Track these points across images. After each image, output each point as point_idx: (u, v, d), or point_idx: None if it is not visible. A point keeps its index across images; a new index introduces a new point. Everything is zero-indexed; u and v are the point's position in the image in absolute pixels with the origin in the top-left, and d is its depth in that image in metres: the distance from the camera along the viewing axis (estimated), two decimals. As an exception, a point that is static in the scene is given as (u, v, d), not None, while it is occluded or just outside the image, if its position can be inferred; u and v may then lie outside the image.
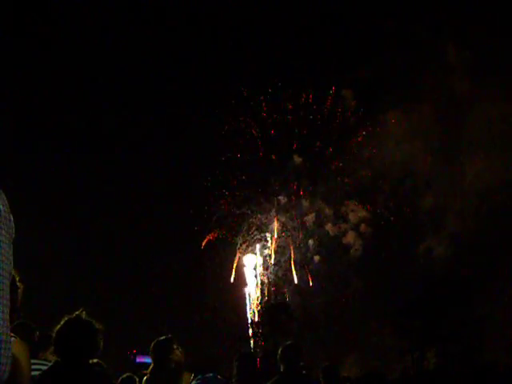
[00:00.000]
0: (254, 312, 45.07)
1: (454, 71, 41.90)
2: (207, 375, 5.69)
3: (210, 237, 46.17)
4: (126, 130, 47.17)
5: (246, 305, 46.16)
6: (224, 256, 46.33)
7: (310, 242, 46.83)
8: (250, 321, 44.01)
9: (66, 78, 44.75)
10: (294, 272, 46.27)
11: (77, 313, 3.92)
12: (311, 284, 45.91)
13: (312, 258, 46.67)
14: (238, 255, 46.89)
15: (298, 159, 46.80)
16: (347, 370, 31.50)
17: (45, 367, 4.44)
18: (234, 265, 46.57)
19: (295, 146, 47.09)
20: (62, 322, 3.87)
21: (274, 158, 47.23)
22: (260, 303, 45.47)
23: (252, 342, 41.80)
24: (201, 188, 45.48)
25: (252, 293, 46.50)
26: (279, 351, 5.37)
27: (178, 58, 47.96)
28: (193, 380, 5.78)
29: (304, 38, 45.84)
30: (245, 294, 46.52)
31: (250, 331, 42.81)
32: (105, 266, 43.85)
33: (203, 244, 45.94)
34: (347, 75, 43.53)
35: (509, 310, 35.64)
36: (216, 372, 5.76)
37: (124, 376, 6.72)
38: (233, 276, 46.58)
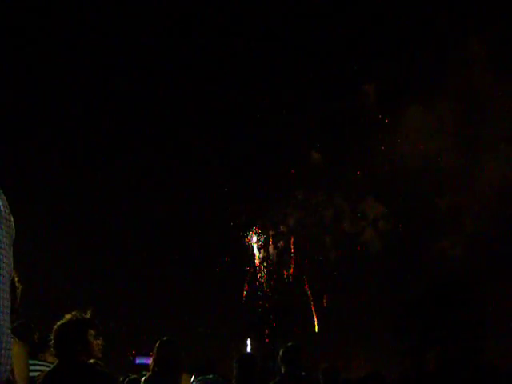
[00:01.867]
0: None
1: (475, 66, 41.40)
2: (208, 376, 5.69)
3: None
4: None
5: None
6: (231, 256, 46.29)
7: (327, 239, 46.57)
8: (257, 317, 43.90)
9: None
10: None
11: (74, 313, 3.92)
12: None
13: (327, 256, 46.38)
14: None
15: (316, 155, 46.55)
16: (355, 372, 31.39)
17: (44, 368, 4.43)
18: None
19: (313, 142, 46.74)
20: (58, 323, 3.87)
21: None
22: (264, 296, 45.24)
23: (251, 343, 41.74)
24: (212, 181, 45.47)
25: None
26: (280, 352, 5.36)
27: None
28: (193, 381, 5.79)
29: (327, 32, 45.56)
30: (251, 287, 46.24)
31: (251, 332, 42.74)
32: (105, 267, 43.91)
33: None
34: (369, 70, 43.33)
35: (509, 313, 35.64)
36: (216, 373, 5.77)
37: (131, 377, 6.75)
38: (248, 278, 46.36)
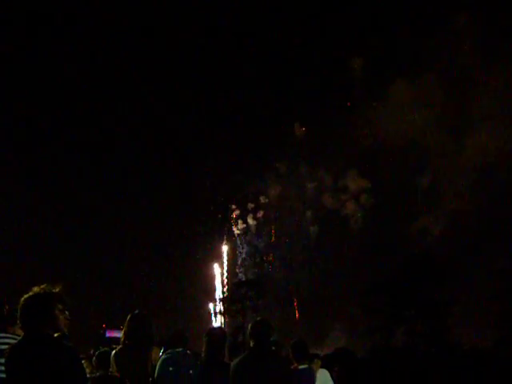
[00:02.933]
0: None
1: (462, 42, 41.28)
2: (177, 350, 5.74)
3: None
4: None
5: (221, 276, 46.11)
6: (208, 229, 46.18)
7: (308, 213, 46.43)
8: (220, 296, 44.15)
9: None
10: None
11: (40, 286, 3.92)
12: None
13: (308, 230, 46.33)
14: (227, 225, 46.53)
15: (299, 128, 46.20)
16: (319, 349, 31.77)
17: (13, 341, 4.43)
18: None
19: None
20: (24, 297, 3.87)
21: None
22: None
23: (222, 318, 41.93)
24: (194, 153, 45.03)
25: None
26: (249, 327, 5.40)
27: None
28: (162, 354, 5.83)
29: (315, 6, 45.23)
30: (219, 269, 46.46)
31: (221, 307, 42.94)
32: (76, 239, 43.60)
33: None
34: (357, 45, 42.92)
35: (477, 293, 36.17)
36: (186, 347, 5.82)
37: (101, 350, 6.77)
38: (224, 243, 46.19)
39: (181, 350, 5.74)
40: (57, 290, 3.92)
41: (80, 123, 46.88)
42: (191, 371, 5.61)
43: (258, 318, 5.57)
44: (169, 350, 5.77)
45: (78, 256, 42.18)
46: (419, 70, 41.38)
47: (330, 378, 8.07)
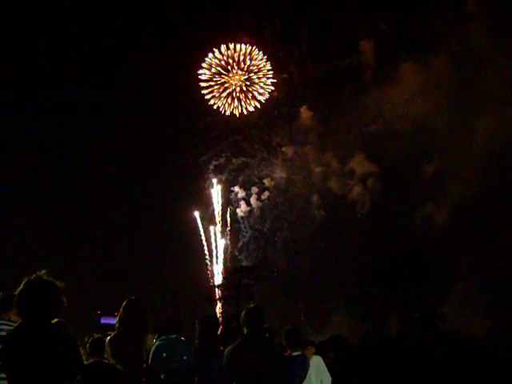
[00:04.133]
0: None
1: (472, 22, 40.55)
2: (170, 336, 5.75)
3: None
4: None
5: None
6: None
7: (314, 197, 46.13)
8: (216, 283, 44.09)
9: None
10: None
11: (38, 273, 3.91)
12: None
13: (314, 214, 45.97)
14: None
15: (307, 111, 45.89)
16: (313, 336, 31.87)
17: (7, 327, 4.44)
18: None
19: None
20: (22, 283, 3.86)
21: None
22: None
23: (217, 304, 41.92)
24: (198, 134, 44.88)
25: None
26: (242, 314, 5.42)
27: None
28: (156, 341, 5.85)
29: None
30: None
31: (216, 294, 42.92)
32: (70, 223, 43.42)
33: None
34: (368, 27, 42.56)
35: (471, 281, 36.25)
36: (179, 333, 5.83)
37: (95, 337, 6.79)
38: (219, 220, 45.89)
39: (174, 336, 5.76)
40: (43, 274, 3.91)
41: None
42: (185, 357, 5.63)
43: (251, 305, 5.58)
44: (162, 337, 5.78)
45: (70, 240, 42.08)
46: (429, 52, 40.97)
47: (323, 365, 8.10)
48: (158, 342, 5.75)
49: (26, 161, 42.83)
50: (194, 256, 45.53)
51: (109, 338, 5.83)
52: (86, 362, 3.76)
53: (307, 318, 39.31)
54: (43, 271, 3.94)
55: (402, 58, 42.22)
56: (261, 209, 46.67)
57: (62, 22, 42.18)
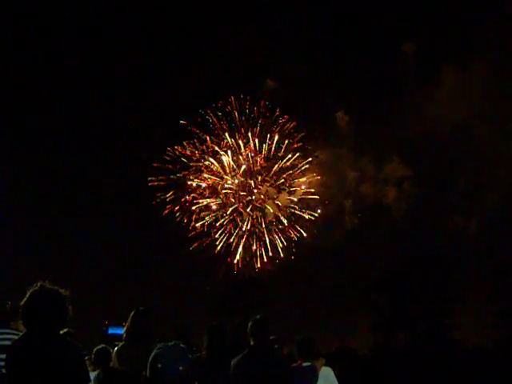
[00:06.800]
0: None
1: None
2: (169, 343, 5.66)
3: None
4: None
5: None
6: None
7: (346, 202, 45.45)
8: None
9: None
10: None
11: (42, 282, 3.88)
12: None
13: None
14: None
15: (341, 115, 45.39)
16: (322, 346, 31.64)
17: (15, 337, 4.41)
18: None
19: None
20: (27, 294, 3.83)
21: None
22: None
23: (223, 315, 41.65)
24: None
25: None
26: (248, 325, 5.38)
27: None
28: (154, 349, 5.77)
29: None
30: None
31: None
32: (77, 234, 43.40)
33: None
34: (408, 31, 41.74)
35: (480, 291, 36.01)
36: (181, 340, 5.74)
37: (99, 347, 6.76)
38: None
39: (172, 343, 5.65)
40: (46, 283, 3.89)
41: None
42: (181, 368, 5.46)
43: (257, 316, 5.53)
44: (159, 345, 5.68)
45: (79, 249, 42.11)
46: (471, 58, 40.47)
47: (333, 376, 8.02)
48: (155, 351, 5.66)
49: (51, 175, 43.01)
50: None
51: (116, 348, 5.78)
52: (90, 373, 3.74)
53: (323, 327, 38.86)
54: (47, 281, 3.92)
55: (442, 63, 41.73)
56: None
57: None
